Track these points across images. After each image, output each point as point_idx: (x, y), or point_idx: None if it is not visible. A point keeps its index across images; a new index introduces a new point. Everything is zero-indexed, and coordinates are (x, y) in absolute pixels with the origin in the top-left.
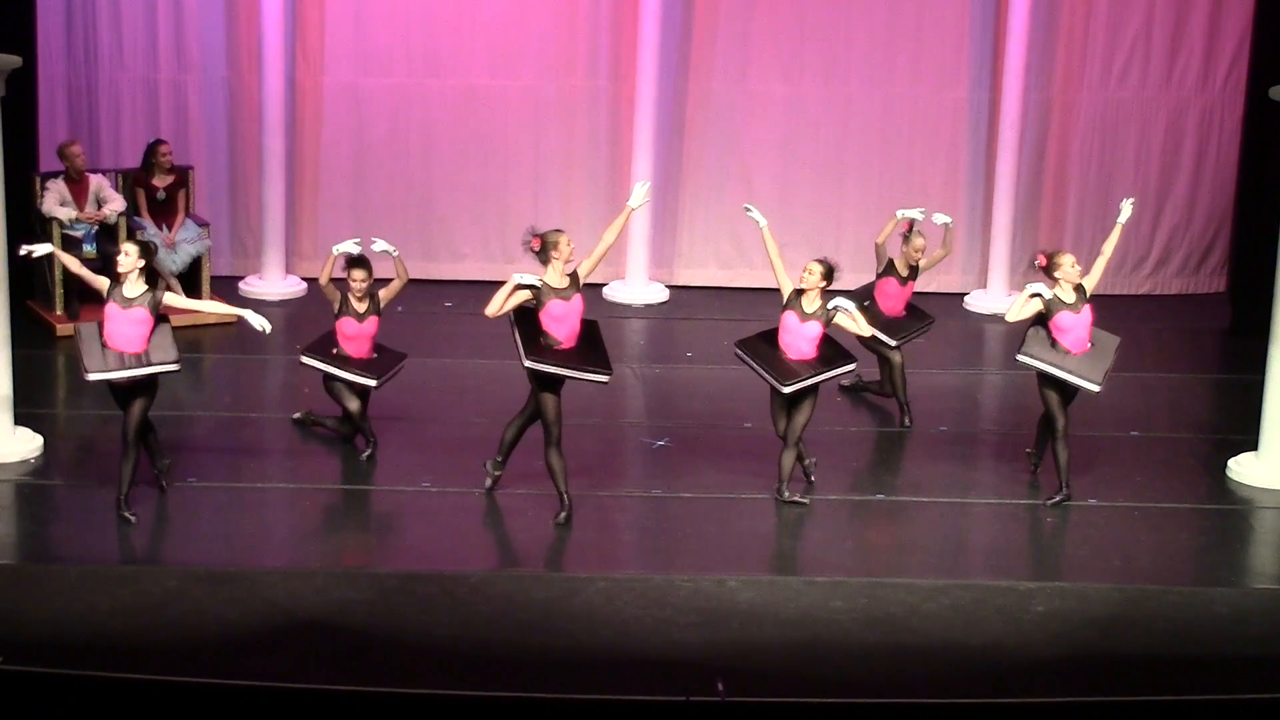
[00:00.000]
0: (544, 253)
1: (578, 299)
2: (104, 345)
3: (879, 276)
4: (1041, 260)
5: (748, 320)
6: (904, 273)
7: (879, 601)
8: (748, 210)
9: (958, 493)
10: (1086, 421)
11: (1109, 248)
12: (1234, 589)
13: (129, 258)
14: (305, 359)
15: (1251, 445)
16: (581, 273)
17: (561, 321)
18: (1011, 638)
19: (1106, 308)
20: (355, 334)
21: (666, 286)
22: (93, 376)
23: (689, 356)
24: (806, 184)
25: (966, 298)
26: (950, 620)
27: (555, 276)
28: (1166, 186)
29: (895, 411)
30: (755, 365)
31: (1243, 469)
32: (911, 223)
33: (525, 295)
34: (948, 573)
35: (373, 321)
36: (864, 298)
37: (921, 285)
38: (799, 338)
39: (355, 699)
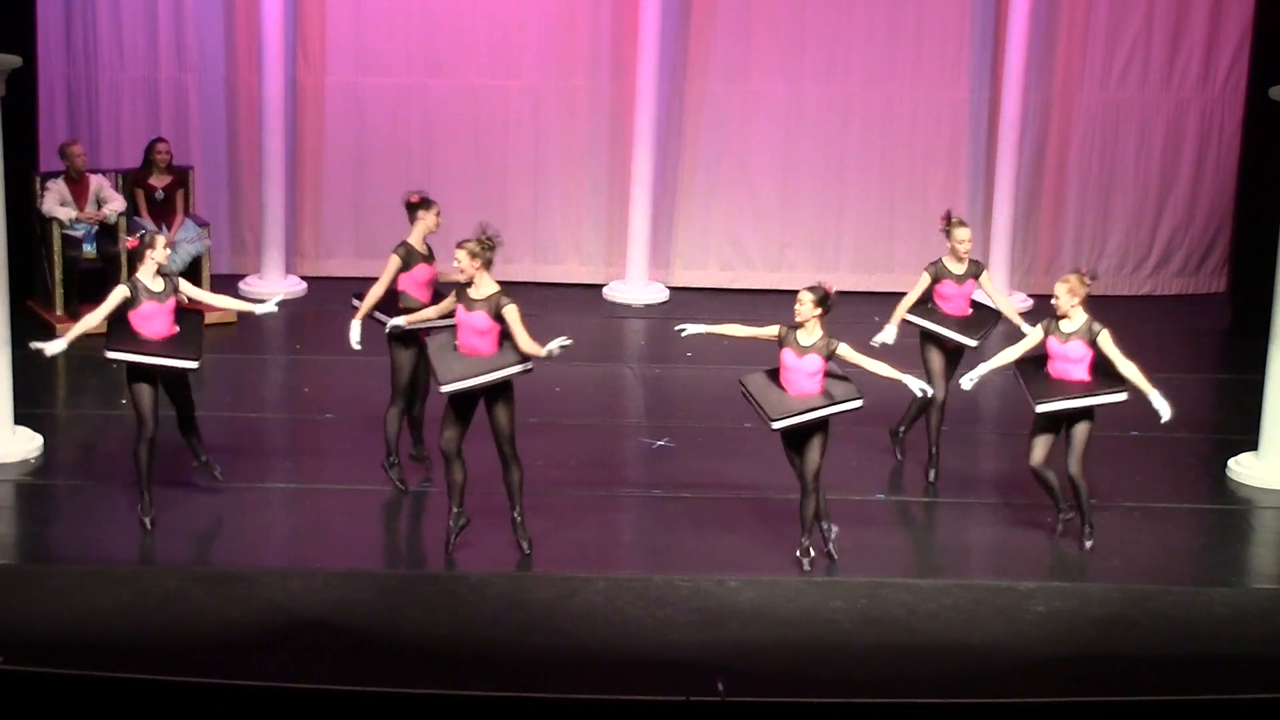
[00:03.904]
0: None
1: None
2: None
3: (934, 283)
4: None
5: (747, 321)
6: (960, 271)
7: (879, 601)
8: (682, 331)
9: (958, 493)
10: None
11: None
12: (1234, 589)
13: (158, 249)
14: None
15: (1251, 445)
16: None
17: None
18: (1011, 638)
19: (1107, 308)
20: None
21: (666, 287)
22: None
23: (689, 356)
24: (806, 184)
25: None
26: (950, 620)
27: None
28: (1166, 186)
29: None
30: (754, 401)
31: (1243, 469)
32: (949, 213)
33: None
34: (948, 573)
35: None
36: (924, 301)
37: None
38: (798, 374)
39: (355, 699)
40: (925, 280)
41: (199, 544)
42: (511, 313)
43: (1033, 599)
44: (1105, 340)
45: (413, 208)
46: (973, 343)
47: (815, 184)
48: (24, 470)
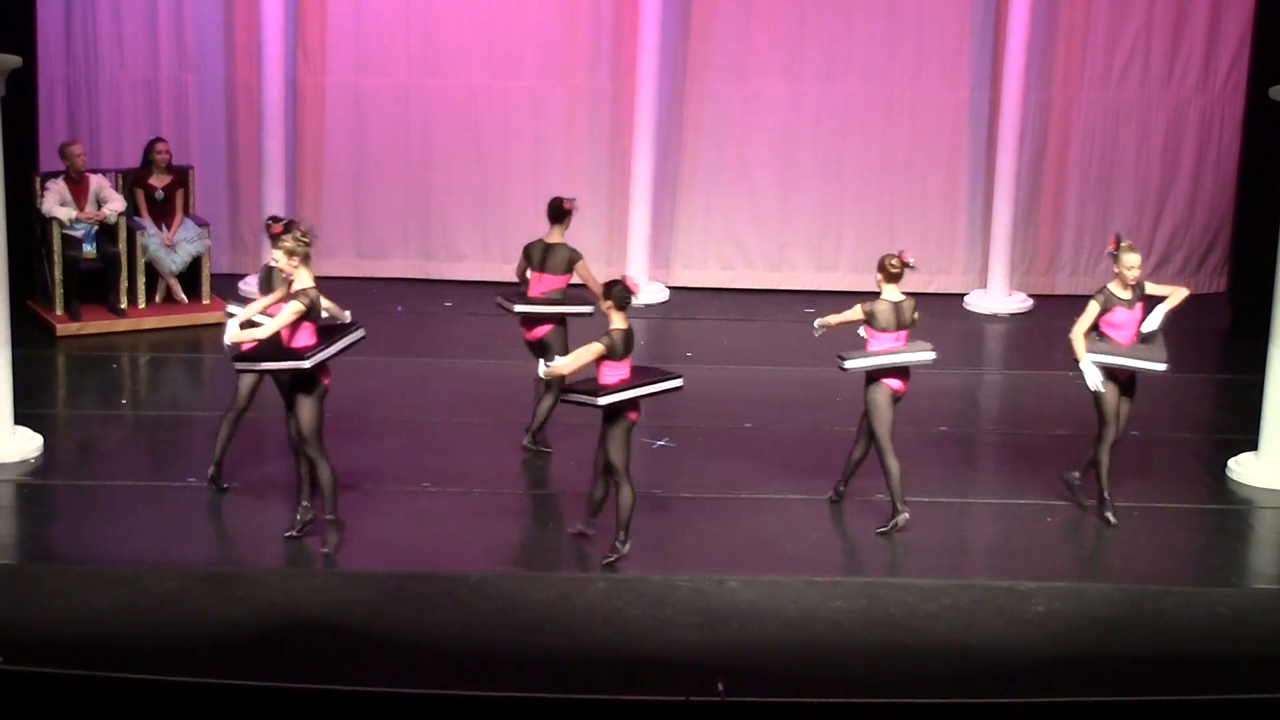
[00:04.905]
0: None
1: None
2: None
3: (1103, 313)
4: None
5: (748, 321)
6: (1126, 295)
7: (879, 601)
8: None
9: (958, 493)
10: (1087, 422)
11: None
12: (1234, 589)
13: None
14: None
15: (1251, 445)
16: None
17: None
18: (1011, 638)
19: None
20: None
21: (666, 287)
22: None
23: (689, 356)
24: (806, 184)
25: (966, 298)
26: (950, 620)
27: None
28: (1166, 186)
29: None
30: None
31: (1243, 469)
32: (1118, 237)
33: None
34: (948, 573)
35: None
36: (1095, 332)
37: (920, 286)
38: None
39: (355, 699)
40: (1094, 309)
41: (199, 544)
42: (288, 306)
43: (1033, 599)
44: (856, 311)
45: (565, 214)
46: (1162, 365)
47: (815, 184)
48: (24, 470)
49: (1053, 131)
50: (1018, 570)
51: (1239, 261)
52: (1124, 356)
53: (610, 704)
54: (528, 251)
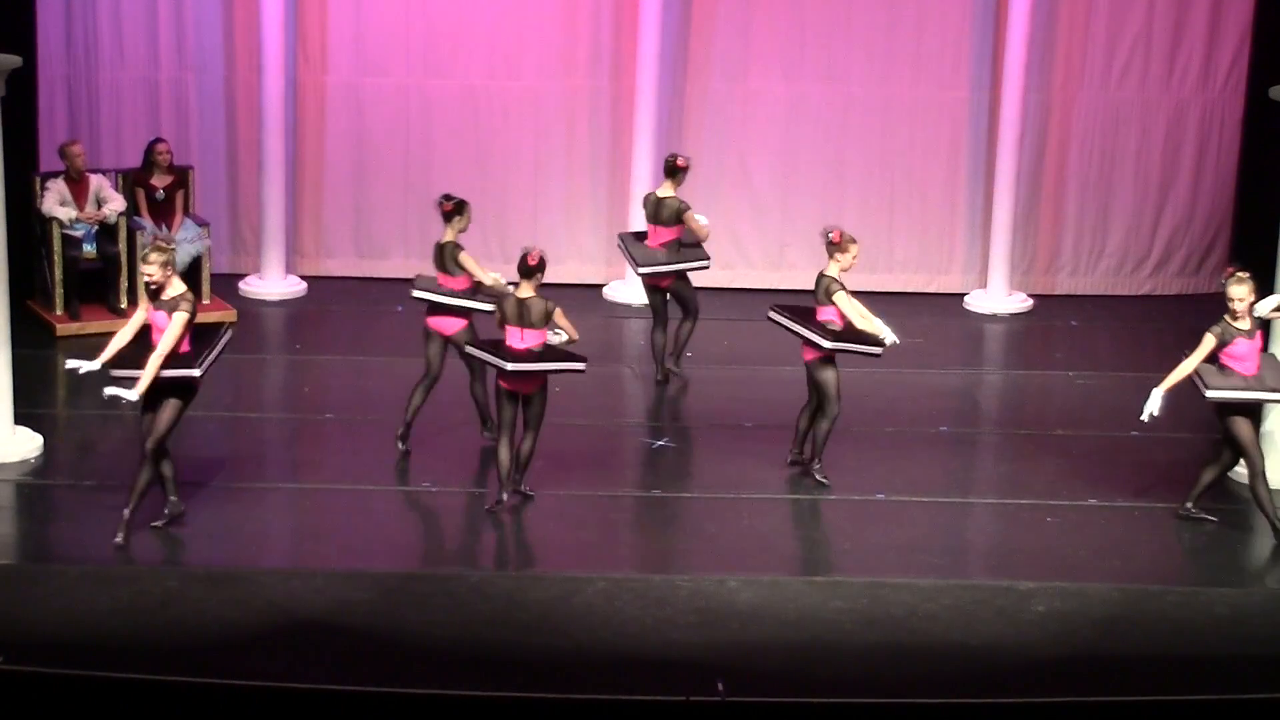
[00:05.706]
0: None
1: None
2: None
3: (1221, 346)
4: (1226, 275)
5: (748, 320)
6: (1246, 326)
7: (879, 601)
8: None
9: (958, 493)
10: (1087, 422)
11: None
12: (1234, 589)
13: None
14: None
15: None
16: None
17: None
18: (1011, 638)
19: (1108, 308)
20: None
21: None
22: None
23: (689, 356)
24: (806, 184)
25: (966, 298)
26: (950, 620)
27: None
28: (1166, 186)
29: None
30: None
31: (1243, 469)
32: (1233, 269)
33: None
34: (948, 573)
35: None
36: (1216, 365)
37: (920, 285)
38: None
39: (355, 699)
40: (1209, 343)
41: (199, 544)
42: (176, 318)
43: (1033, 599)
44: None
45: (678, 170)
46: None
47: (815, 184)
48: (24, 470)
49: (1053, 131)
50: (1018, 570)
51: (1239, 261)
52: (1248, 390)
53: (610, 704)
54: (645, 203)
